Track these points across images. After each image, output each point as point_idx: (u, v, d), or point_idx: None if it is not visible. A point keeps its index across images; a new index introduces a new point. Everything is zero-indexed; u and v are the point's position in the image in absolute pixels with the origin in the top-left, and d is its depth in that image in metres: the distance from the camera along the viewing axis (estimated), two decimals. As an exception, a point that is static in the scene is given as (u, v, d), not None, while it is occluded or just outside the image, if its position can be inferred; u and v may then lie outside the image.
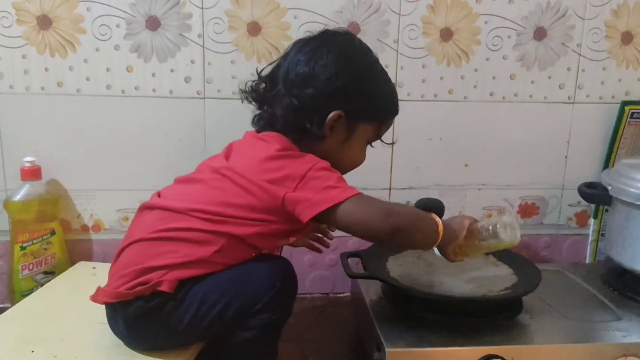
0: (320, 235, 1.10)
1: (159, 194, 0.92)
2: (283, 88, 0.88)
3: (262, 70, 0.94)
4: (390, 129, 0.96)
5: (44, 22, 1.15)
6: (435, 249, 0.90)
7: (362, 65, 0.89)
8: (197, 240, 0.82)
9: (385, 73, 0.94)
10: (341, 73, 0.86)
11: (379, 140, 0.96)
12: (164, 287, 0.80)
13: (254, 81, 0.94)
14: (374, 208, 0.83)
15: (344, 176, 0.87)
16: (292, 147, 0.88)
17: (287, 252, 1.10)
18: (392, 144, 0.99)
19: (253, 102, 0.94)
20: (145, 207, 0.89)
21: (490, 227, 0.88)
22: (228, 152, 0.91)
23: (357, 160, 0.95)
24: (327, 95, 0.86)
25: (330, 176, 0.83)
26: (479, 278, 1.04)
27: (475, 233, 0.89)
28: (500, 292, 0.98)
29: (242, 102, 0.94)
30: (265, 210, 0.82)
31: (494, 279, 1.04)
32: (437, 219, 0.86)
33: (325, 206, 0.80)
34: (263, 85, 0.92)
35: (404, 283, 0.99)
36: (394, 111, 0.95)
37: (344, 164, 0.92)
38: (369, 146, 0.96)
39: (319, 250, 1.10)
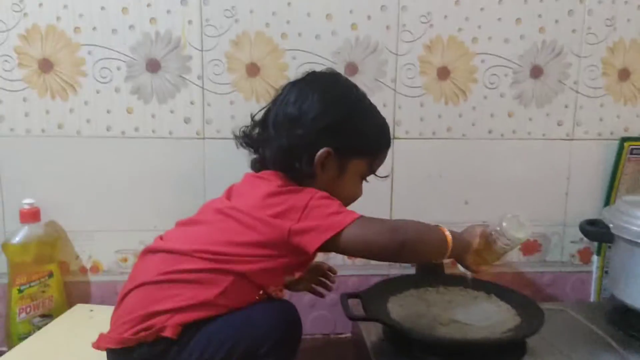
0: (322, 278, 1.09)
1: (161, 238, 0.92)
2: (273, 131, 0.89)
3: (255, 115, 0.95)
4: (389, 166, 0.97)
5: (45, 65, 1.16)
6: (459, 266, 0.92)
7: (348, 102, 0.90)
8: (202, 281, 0.82)
9: (374, 108, 0.95)
10: (327, 111, 0.87)
11: (373, 175, 0.96)
12: (167, 333, 0.80)
13: (246, 126, 0.95)
14: (378, 227, 0.84)
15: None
16: (291, 183, 0.88)
17: (287, 292, 1.09)
18: (386, 177, 0.99)
19: (247, 147, 0.95)
20: (148, 251, 0.89)
21: (497, 228, 0.91)
22: (229, 194, 0.92)
23: (353, 196, 0.95)
24: (315, 134, 0.87)
25: (331, 204, 0.84)
26: (481, 319, 1.02)
27: (488, 238, 0.92)
28: (503, 334, 0.96)
29: (237, 147, 0.95)
30: (271, 245, 0.83)
31: (497, 320, 1.02)
32: (445, 229, 0.88)
33: (331, 233, 0.81)
34: (257, 129, 0.94)
35: (405, 325, 0.97)
36: (385, 145, 0.96)
37: (340, 200, 0.91)
38: (367, 182, 0.96)
39: (321, 295, 1.10)
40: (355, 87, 0.94)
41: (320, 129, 0.87)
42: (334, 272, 1.13)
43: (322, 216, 0.82)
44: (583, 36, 1.27)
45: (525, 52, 1.26)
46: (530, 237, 0.93)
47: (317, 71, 0.95)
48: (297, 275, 0.94)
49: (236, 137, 0.95)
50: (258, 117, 0.94)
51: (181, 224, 0.92)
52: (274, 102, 0.92)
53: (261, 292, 0.87)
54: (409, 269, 1.30)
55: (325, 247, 0.82)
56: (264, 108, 0.94)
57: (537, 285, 1.36)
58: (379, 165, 0.96)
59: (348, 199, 0.94)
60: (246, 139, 0.95)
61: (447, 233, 0.88)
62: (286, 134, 0.87)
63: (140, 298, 0.83)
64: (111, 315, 0.88)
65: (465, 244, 0.91)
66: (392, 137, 1.24)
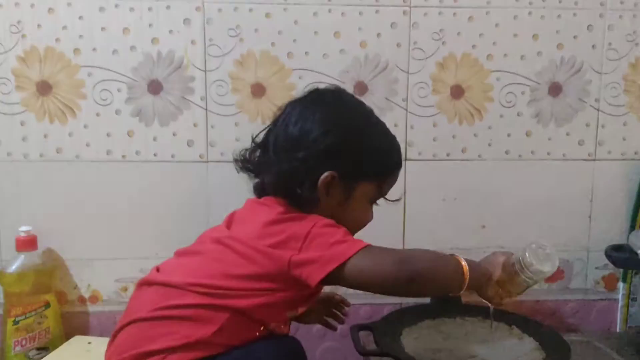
0: (335, 310, 1.03)
1: (158, 269, 0.86)
2: (273, 154, 0.83)
3: (256, 136, 0.89)
4: (401, 189, 0.90)
5: (44, 88, 1.13)
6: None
7: (353, 121, 0.85)
8: (196, 318, 0.76)
9: (382, 126, 0.88)
10: (330, 132, 0.81)
11: (383, 199, 0.90)
12: None
13: (246, 149, 0.89)
14: (385, 258, 0.77)
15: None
16: (294, 209, 0.82)
17: (294, 323, 1.03)
18: (397, 200, 0.93)
19: (246, 172, 0.89)
20: (143, 283, 0.84)
21: (520, 259, 0.83)
22: (230, 221, 0.87)
23: (362, 222, 0.89)
24: (317, 156, 0.81)
25: (335, 232, 0.78)
26: (502, 354, 0.96)
27: (510, 269, 0.84)
28: (525, 371, 0.90)
29: (237, 172, 0.90)
30: (270, 278, 0.77)
31: (519, 355, 0.95)
32: (461, 258, 0.81)
33: (334, 265, 0.74)
34: (257, 152, 0.88)
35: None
36: (395, 166, 0.89)
37: (348, 227, 0.85)
38: (378, 206, 0.90)
39: (334, 328, 1.03)
40: (361, 104, 0.89)
41: (323, 151, 0.80)
42: (347, 305, 1.06)
43: (325, 246, 0.76)
44: (603, 52, 1.21)
45: (543, 69, 1.21)
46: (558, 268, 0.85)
47: (320, 88, 0.90)
48: (300, 310, 0.87)
49: (236, 161, 0.90)
50: (259, 138, 0.89)
51: (178, 253, 0.87)
52: (275, 122, 0.87)
53: (262, 328, 0.80)
54: (421, 299, 1.24)
55: (329, 279, 0.75)
56: (265, 129, 0.89)
57: (560, 314, 1.29)
58: (389, 188, 0.90)
59: (356, 226, 0.88)
60: (246, 163, 0.89)
61: (464, 263, 0.80)
62: (287, 157, 0.81)
63: (132, 336, 0.78)
64: (105, 352, 0.82)
65: (485, 274, 0.84)
66: (403, 158, 1.18)
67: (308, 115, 0.82)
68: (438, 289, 0.85)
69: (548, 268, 0.83)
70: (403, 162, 0.92)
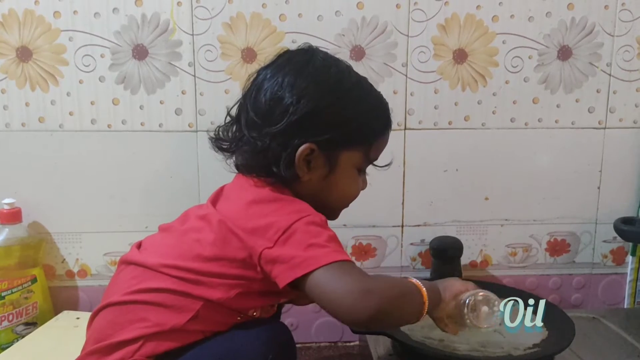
0: None
1: (139, 245, 0.82)
2: (246, 130, 0.77)
3: (231, 109, 0.82)
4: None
5: (24, 53, 1.07)
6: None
7: (328, 83, 0.75)
8: (170, 305, 0.71)
9: (363, 85, 0.80)
10: (302, 98, 0.73)
11: (372, 165, 0.84)
12: None
13: (219, 126, 0.82)
14: (350, 283, 0.66)
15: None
16: (283, 188, 0.77)
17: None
18: (387, 166, 0.85)
19: (223, 152, 0.82)
20: (122, 262, 0.80)
21: (467, 301, 0.75)
22: (217, 196, 0.80)
23: (352, 193, 0.81)
24: (291, 128, 0.73)
25: (318, 233, 0.70)
26: (503, 332, 0.91)
27: (459, 303, 0.76)
28: (527, 351, 0.86)
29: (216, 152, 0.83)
30: (241, 265, 0.71)
31: (520, 333, 0.91)
32: (420, 285, 0.72)
33: (302, 271, 0.66)
34: (234, 127, 0.81)
35: (414, 339, 0.88)
36: (382, 129, 0.81)
37: (335, 200, 0.80)
38: (374, 174, 0.84)
39: None
40: (337, 62, 0.79)
41: (297, 121, 0.73)
42: None
43: (302, 246, 0.67)
44: (616, 13, 1.14)
45: (551, 31, 1.13)
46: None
47: (290, 50, 0.81)
48: (283, 300, 0.81)
49: (210, 140, 0.82)
50: (234, 112, 0.81)
51: (161, 229, 0.82)
52: (244, 95, 0.79)
53: (242, 315, 0.75)
54: (424, 272, 1.20)
55: (297, 285, 0.67)
56: (238, 102, 0.81)
57: (566, 289, 1.24)
58: (378, 153, 0.82)
59: (347, 198, 0.81)
60: (220, 141, 0.81)
61: (424, 291, 0.71)
62: (258, 133, 0.75)
63: (107, 320, 0.74)
64: (86, 331, 0.79)
65: (437, 297, 0.74)
66: (403, 127, 1.14)
67: (277, 83, 0.75)
68: (395, 326, 0.76)
69: (485, 325, 0.76)
70: (391, 122, 0.83)
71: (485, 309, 0.76)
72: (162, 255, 0.74)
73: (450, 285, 0.77)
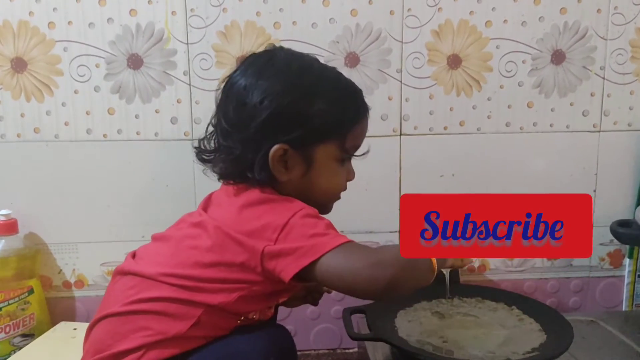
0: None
1: (133, 255, 0.82)
2: (221, 139, 0.77)
3: (212, 119, 0.82)
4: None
5: (19, 64, 1.07)
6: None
7: (289, 81, 0.75)
8: (171, 313, 0.72)
9: (329, 74, 0.79)
10: (265, 99, 0.73)
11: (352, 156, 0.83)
12: None
13: (201, 139, 0.83)
14: (362, 259, 0.68)
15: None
16: (271, 190, 0.76)
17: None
18: (365, 154, 0.84)
19: (204, 164, 0.82)
20: (117, 272, 0.80)
21: None
22: (207, 204, 0.81)
23: (337, 186, 0.81)
24: (259, 132, 0.73)
25: (316, 223, 0.71)
26: (501, 336, 0.91)
27: None
28: (526, 355, 0.85)
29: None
30: (242, 269, 0.71)
31: (518, 337, 0.91)
32: None
33: (311, 258, 0.67)
34: (213, 139, 0.81)
35: (413, 344, 0.87)
36: (354, 117, 0.79)
37: (320, 196, 0.79)
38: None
39: (313, 303, 0.98)
40: (299, 58, 0.79)
41: (263, 123, 0.72)
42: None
43: (304, 237, 0.68)
44: (609, 16, 1.15)
45: (545, 35, 1.14)
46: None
47: (254, 53, 0.81)
48: (282, 299, 0.82)
49: (194, 152, 0.83)
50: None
51: (155, 238, 0.82)
52: (217, 104, 0.80)
53: (242, 318, 0.76)
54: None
55: (304, 275, 0.68)
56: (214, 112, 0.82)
57: (564, 292, 1.24)
58: (356, 142, 0.81)
59: (333, 192, 0.81)
60: (201, 153, 0.82)
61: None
62: (231, 141, 0.75)
63: (106, 332, 0.74)
64: (83, 344, 0.79)
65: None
66: (398, 132, 1.14)
67: (240, 87, 0.75)
68: (409, 291, 0.76)
69: None
70: (365, 108, 0.81)
71: None
72: (159, 264, 0.74)
73: None
